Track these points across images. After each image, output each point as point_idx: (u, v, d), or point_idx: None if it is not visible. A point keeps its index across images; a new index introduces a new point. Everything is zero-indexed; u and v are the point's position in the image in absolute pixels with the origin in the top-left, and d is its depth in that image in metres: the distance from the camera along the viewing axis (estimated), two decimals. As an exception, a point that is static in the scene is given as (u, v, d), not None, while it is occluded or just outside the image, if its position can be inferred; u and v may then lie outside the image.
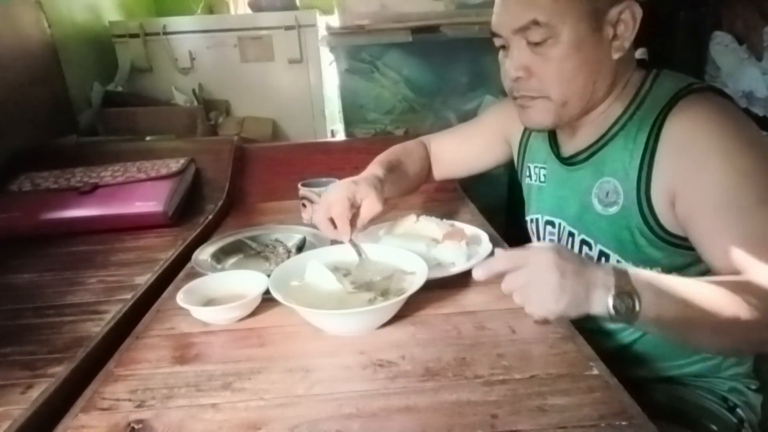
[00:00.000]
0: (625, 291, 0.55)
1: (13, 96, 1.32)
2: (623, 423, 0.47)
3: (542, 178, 0.87)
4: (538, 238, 0.90)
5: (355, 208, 0.78)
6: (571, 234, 0.80)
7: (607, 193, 0.74)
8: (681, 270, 0.70)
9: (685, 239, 0.67)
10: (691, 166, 0.64)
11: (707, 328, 0.58)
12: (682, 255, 0.69)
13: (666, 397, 0.77)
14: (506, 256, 0.60)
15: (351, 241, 0.77)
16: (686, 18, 1.81)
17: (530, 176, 0.90)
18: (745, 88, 1.77)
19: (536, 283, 0.56)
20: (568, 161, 0.81)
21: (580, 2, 0.66)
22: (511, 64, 0.71)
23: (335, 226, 0.76)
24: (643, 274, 0.57)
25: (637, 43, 0.71)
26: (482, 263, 0.61)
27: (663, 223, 0.69)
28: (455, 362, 0.57)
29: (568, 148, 0.81)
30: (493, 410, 0.49)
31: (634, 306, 0.54)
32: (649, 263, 0.71)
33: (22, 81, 1.37)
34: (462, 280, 0.75)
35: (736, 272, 0.60)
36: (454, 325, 0.65)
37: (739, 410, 0.76)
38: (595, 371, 0.54)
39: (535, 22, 0.67)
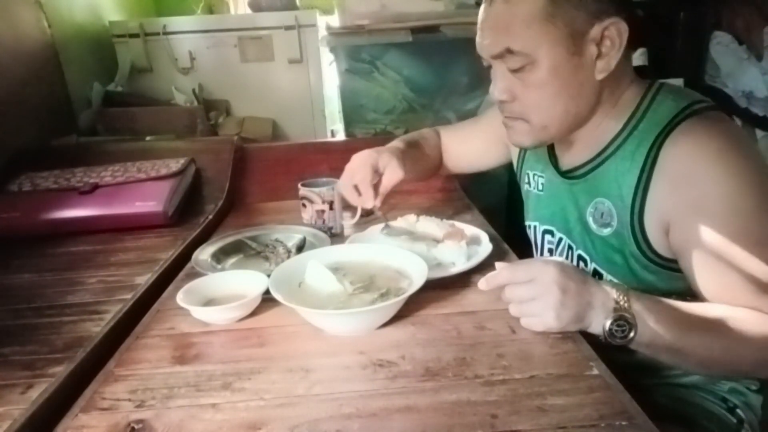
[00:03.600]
0: (623, 317, 0.55)
1: (13, 96, 1.32)
2: (623, 423, 0.47)
3: (540, 187, 0.86)
4: (536, 246, 0.90)
5: (378, 175, 0.83)
6: (570, 247, 0.80)
7: (602, 214, 0.72)
8: (680, 294, 0.68)
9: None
10: (688, 201, 0.62)
11: (696, 360, 0.60)
12: (679, 279, 0.68)
13: (666, 397, 0.77)
14: (511, 270, 0.60)
15: (374, 207, 0.84)
16: (686, 18, 1.81)
17: (529, 183, 0.90)
18: (745, 88, 1.77)
19: (538, 299, 0.57)
20: (566, 175, 0.79)
21: (554, 27, 0.63)
22: (495, 87, 0.71)
23: (359, 195, 0.82)
24: (643, 299, 0.57)
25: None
26: (487, 276, 0.61)
27: (656, 248, 0.67)
28: (455, 362, 0.57)
29: (566, 161, 0.80)
30: (493, 410, 0.49)
31: (628, 333, 0.55)
32: (642, 286, 0.70)
33: (22, 81, 1.37)
34: (462, 280, 0.75)
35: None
36: (454, 325, 0.65)
37: (738, 411, 0.76)
38: (595, 371, 0.54)
39: (510, 51, 0.66)
